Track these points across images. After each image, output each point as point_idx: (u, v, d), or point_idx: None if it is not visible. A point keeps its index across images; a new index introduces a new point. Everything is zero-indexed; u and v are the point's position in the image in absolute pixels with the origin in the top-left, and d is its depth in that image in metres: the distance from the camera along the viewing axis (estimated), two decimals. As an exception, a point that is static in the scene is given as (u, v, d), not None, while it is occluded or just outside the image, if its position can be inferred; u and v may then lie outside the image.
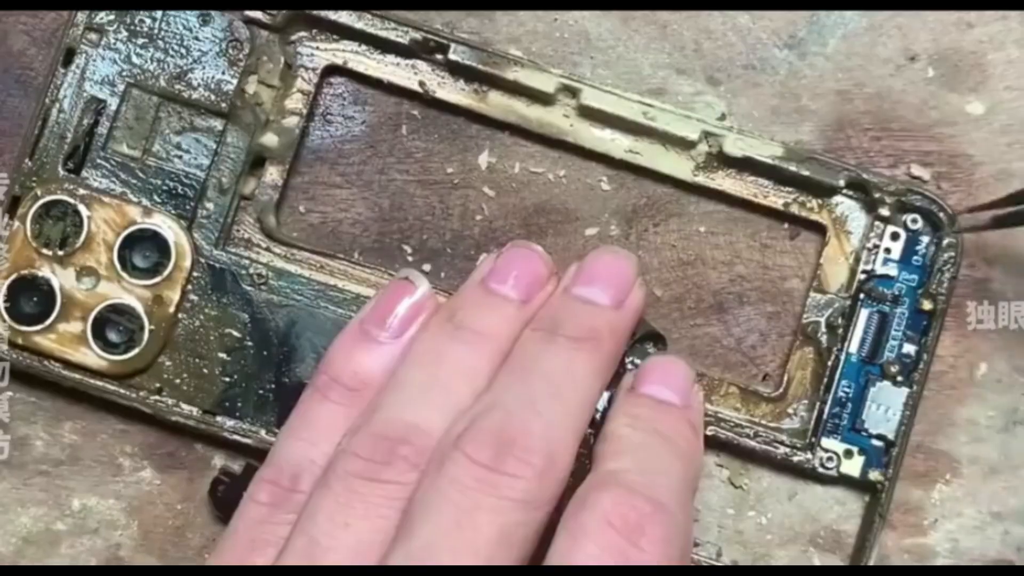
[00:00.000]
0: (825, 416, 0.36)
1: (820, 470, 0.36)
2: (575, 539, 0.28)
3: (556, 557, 0.28)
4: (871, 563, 0.36)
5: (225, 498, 0.36)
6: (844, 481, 0.36)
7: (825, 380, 0.36)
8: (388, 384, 0.31)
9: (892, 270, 0.36)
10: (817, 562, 0.37)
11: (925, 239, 0.36)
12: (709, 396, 0.36)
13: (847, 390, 0.36)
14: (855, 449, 0.36)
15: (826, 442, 0.36)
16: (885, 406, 0.36)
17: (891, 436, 0.36)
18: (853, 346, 0.36)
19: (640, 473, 0.29)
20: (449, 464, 0.29)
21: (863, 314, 0.36)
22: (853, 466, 0.36)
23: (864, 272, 0.36)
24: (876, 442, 0.36)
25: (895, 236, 0.36)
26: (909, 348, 0.36)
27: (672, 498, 0.29)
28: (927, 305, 0.36)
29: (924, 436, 0.37)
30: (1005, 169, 0.37)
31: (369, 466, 0.29)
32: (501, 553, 0.28)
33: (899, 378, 0.36)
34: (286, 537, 0.30)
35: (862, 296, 0.36)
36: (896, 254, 0.36)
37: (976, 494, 0.37)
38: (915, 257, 0.36)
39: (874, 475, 0.36)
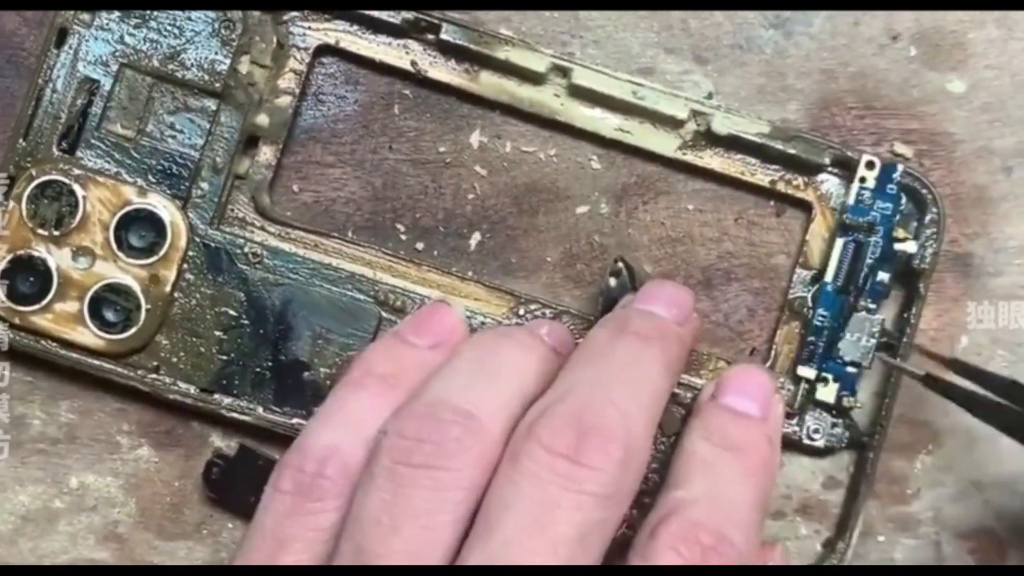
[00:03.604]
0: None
1: (806, 442, 0.37)
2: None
3: None
4: (857, 532, 0.36)
5: (219, 480, 0.36)
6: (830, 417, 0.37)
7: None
8: (433, 374, 0.31)
9: (867, 199, 0.36)
10: (803, 531, 0.37)
11: (899, 167, 0.36)
12: (698, 371, 0.37)
13: (823, 318, 0.36)
14: (830, 377, 0.36)
15: (801, 370, 0.36)
16: (859, 335, 0.36)
17: (865, 363, 0.36)
18: (829, 275, 0.36)
19: (709, 501, 0.29)
20: (524, 457, 0.28)
21: (838, 243, 0.36)
22: (828, 393, 0.36)
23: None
24: (850, 368, 0.36)
25: (870, 165, 0.36)
26: (883, 276, 0.36)
27: (738, 530, 0.29)
28: (901, 234, 0.36)
29: (907, 408, 0.37)
30: (985, 147, 0.38)
31: (417, 446, 0.28)
32: (579, 554, 0.27)
33: (872, 306, 0.36)
34: (314, 529, 0.29)
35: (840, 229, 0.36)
36: (871, 182, 0.36)
37: (957, 464, 0.38)
38: (889, 185, 0.36)
39: (848, 402, 0.36)
